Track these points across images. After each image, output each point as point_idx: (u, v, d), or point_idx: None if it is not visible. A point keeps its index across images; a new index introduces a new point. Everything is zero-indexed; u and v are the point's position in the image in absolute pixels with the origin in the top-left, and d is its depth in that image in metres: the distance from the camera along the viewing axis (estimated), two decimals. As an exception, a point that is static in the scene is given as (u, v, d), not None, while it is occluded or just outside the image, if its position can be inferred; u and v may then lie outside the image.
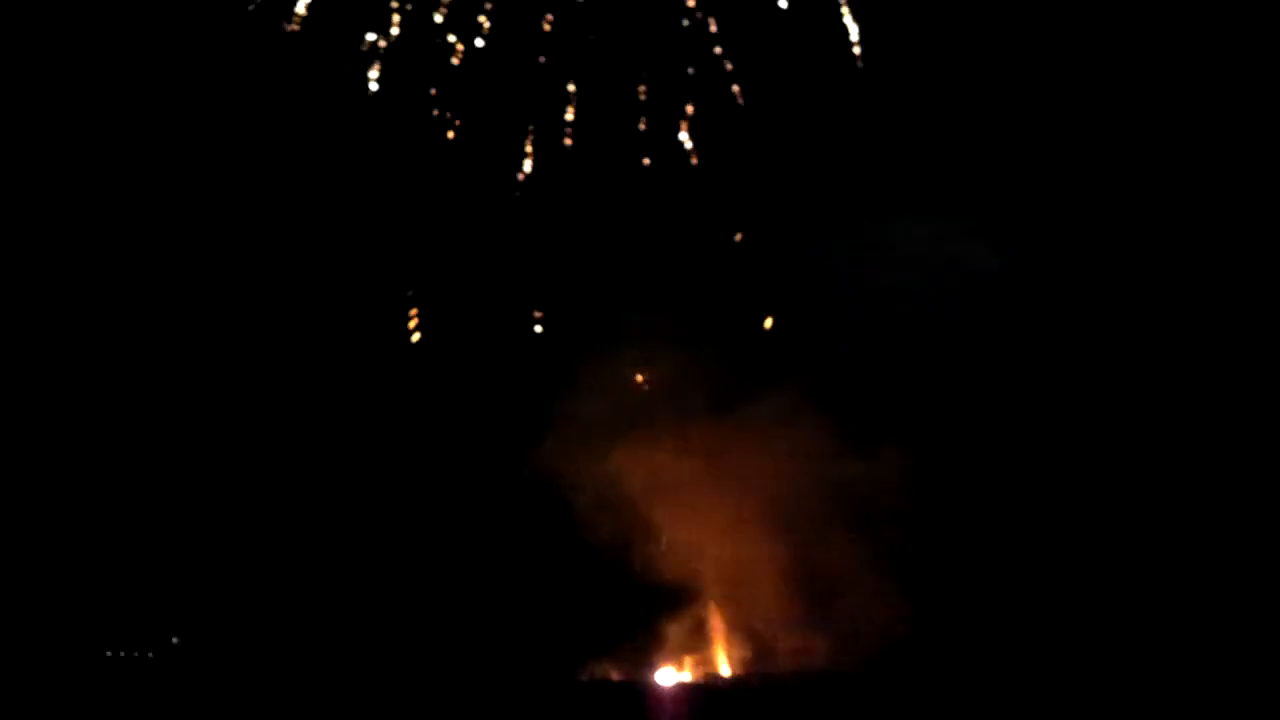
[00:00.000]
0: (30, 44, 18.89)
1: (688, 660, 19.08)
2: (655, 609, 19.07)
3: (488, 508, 19.27)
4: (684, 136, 18.83)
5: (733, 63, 18.82)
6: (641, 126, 18.78)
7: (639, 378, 19.33)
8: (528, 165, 18.91)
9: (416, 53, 18.65)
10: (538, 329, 19.11)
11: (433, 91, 18.65)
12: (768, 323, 19.26)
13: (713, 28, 18.69)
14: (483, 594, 19.13)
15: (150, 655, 19.20)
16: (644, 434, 18.96)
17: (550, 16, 18.53)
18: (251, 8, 18.38)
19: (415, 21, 18.62)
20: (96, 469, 19.21)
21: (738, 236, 19.10)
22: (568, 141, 18.80)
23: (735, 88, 18.88)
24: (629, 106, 18.83)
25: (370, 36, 18.50)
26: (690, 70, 18.75)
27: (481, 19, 18.54)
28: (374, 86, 18.50)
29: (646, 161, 18.78)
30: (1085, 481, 19.20)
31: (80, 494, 19.16)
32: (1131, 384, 19.29)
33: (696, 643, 19.11)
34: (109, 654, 19.14)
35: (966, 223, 18.88)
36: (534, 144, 18.89)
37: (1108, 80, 19.21)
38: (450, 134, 18.74)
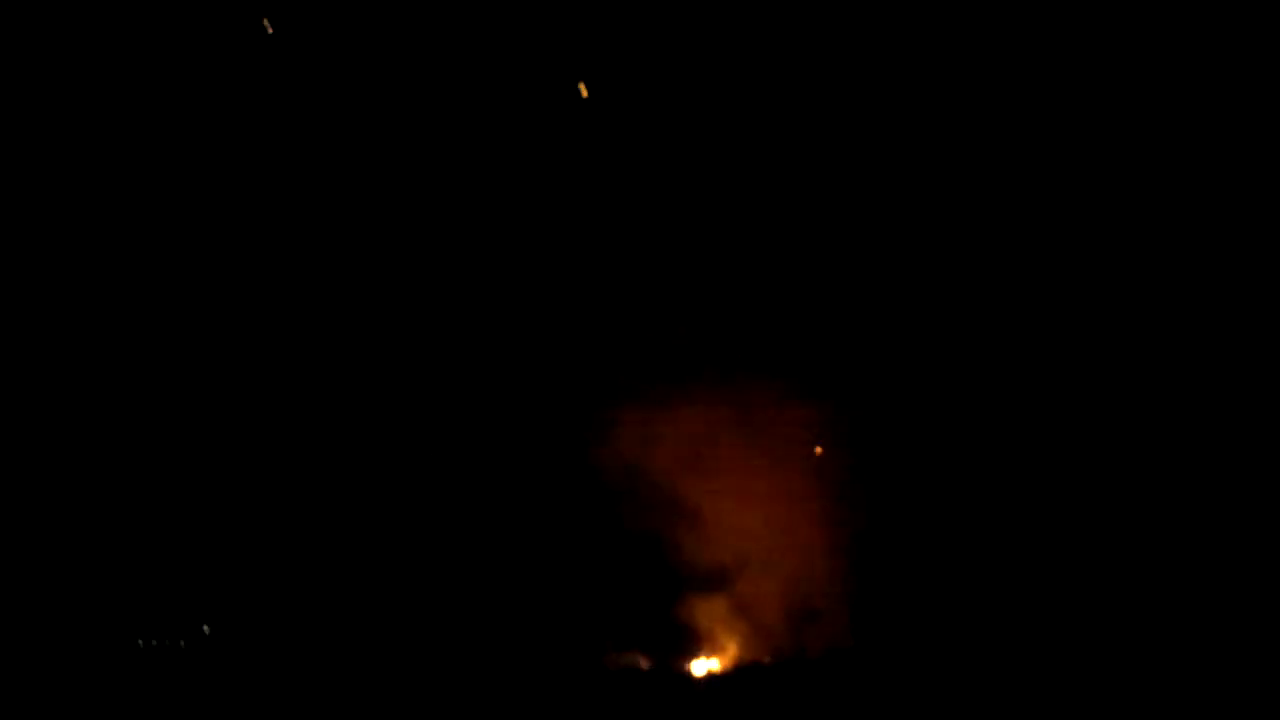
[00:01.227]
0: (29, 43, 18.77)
1: (721, 649, 17.87)
2: (687, 593, 17.98)
3: (509, 484, 18.44)
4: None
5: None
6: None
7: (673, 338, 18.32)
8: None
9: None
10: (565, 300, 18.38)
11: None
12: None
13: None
14: (505, 577, 18.29)
15: (181, 644, 18.81)
16: (676, 402, 17.95)
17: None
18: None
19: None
20: (122, 458, 18.98)
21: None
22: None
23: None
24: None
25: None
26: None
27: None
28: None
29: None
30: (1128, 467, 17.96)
31: (105, 482, 18.92)
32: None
33: (731, 630, 17.92)
34: (140, 642, 18.81)
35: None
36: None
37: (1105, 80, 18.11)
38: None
